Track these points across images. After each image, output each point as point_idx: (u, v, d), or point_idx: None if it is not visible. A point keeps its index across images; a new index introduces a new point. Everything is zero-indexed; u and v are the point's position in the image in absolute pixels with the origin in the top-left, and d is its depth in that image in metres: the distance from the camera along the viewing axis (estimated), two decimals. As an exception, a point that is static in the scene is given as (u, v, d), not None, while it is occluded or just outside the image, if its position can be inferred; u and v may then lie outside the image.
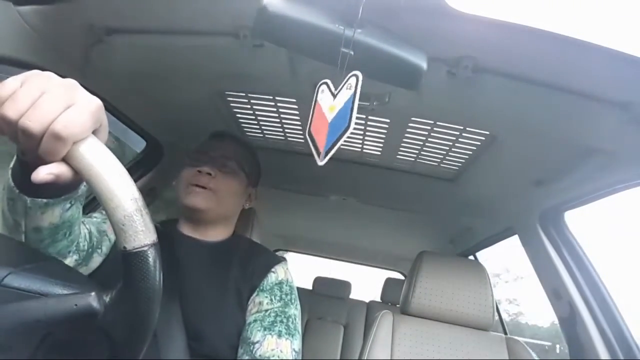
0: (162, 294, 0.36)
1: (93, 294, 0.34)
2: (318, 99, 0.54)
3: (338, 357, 2.31)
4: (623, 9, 0.53)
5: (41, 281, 0.36)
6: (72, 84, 0.36)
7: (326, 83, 0.54)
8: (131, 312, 0.35)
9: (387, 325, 1.14)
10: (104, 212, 0.81)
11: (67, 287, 0.37)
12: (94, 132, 0.36)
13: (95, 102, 0.36)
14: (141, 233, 0.35)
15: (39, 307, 0.33)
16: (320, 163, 0.51)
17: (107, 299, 0.36)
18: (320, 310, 2.45)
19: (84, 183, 0.49)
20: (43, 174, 0.33)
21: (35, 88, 0.33)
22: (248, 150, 0.92)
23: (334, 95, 0.53)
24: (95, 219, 0.76)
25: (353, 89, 0.51)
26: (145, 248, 0.35)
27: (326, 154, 0.51)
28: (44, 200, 0.46)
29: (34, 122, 0.32)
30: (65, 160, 0.34)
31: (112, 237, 0.76)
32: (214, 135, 0.93)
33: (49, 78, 0.35)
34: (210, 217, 0.83)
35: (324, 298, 2.52)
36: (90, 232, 0.69)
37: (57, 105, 0.33)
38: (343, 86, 0.52)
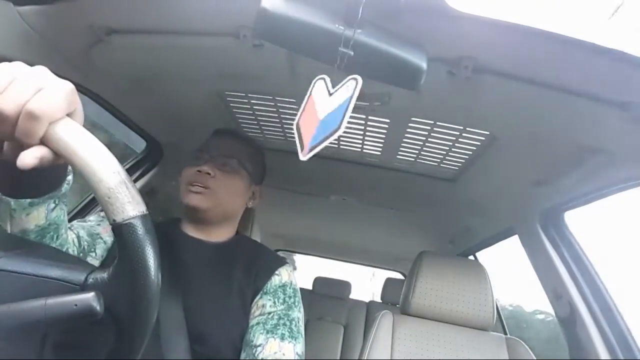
0: (164, 291, 0.36)
1: (93, 294, 0.34)
2: (313, 93, 0.54)
3: (338, 357, 2.31)
4: (623, 9, 0.53)
5: (33, 263, 0.36)
6: (41, 69, 0.36)
7: (324, 79, 0.54)
8: (130, 286, 0.35)
9: (387, 326, 1.14)
10: (101, 214, 0.81)
11: (59, 268, 0.37)
12: (69, 116, 0.36)
13: (68, 84, 0.36)
14: (128, 204, 0.34)
15: (39, 307, 0.33)
16: (303, 158, 0.50)
17: (105, 275, 0.36)
18: (320, 310, 2.45)
19: (67, 181, 0.49)
20: (29, 158, 0.34)
21: (5, 76, 0.34)
22: (251, 147, 0.90)
23: (330, 94, 0.52)
24: (88, 223, 0.75)
25: (351, 92, 0.50)
26: (134, 219, 0.34)
27: (310, 150, 0.50)
28: (28, 200, 0.46)
29: (7, 104, 0.33)
30: (43, 143, 0.35)
31: (108, 239, 0.75)
32: (215, 133, 0.91)
33: (18, 66, 0.35)
34: (211, 216, 0.82)
35: (324, 298, 2.52)
36: (79, 237, 0.68)
37: (29, 88, 0.34)
38: (341, 87, 0.52)
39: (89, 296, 0.34)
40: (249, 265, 0.79)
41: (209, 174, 0.80)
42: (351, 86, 0.51)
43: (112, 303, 0.35)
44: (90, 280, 0.36)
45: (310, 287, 2.63)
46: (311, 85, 0.54)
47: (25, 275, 0.35)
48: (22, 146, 0.34)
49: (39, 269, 0.36)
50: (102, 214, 0.81)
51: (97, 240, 0.73)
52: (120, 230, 0.34)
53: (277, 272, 0.79)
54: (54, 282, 0.36)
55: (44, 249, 0.48)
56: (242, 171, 0.85)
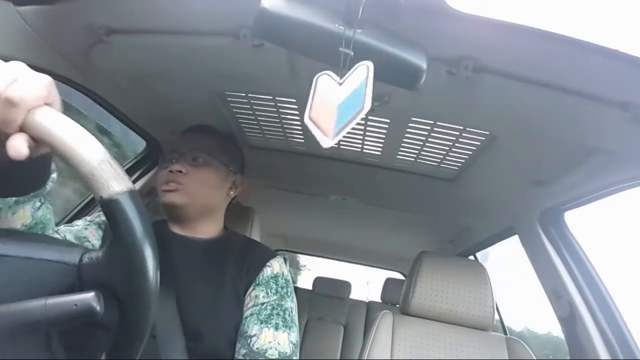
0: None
1: (92, 293, 0.34)
2: (318, 87, 0.53)
3: (338, 357, 2.31)
4: (622, 8, 0.53)
5: (27, 247, 0.36)
6: (17, 63, 0.37)
7: (327, 74, 0.53)
8: (127, 262, 0.34)
9: (387, 326, 1.14)
10: (87, 219, 0.80)
11: (54, 250, 0.37)
12: None
13: (45, 77, 0.37)
14: (113, 179, 0.34)
15: (39, 307, 0.33)
16: (328, 144, 0.49)
17: (100, 254, 0.36)
18: (320, 310, 2.45)
19: (51, 179, 0.49)
20: (21, 146, 0.34)
21: None
22: (221, 138, 0.90)
23: (340, 83, 0.52)
24: (75, 227, 0.75)
25: (365, 75, 0.50)
26: (121, 194, 0.34)
27: (337, 134, 0.49)
28: (13, 198, 0.46)
29: None
30: (23, 131, 0.35)
31: (95, 242, 0.74)
32: (183, 132, 0.92)
33: None
34: (190, 211, 0.81)
35: (324, 298, 2.52)
36: (65, 240, 0.67)
37: (5, 79, 0.35)
38: (351, 74, 0.51)
39: (89, 296, 0.34)
40: (239, 259, 0.80)
41: (180, 171, 0.80)
42: (363, 71, 0.51)
43: (110, 281, 0.35)
44: (86, 259, 0.36)
45: (310, 287, 2.63)
46: (314, 81, 0.53)
47: (20, 259, 0.35)
48: (2, 140, 0.35)
49: (34, 252, 0.36)
50: (89, 218, 0.81)
51: (85, 243, 0.72)
52: (109, 207, 0.34)
53: (268, 263, 0.80)
54: (50, 263, 0.36)
55: (36, 236, 0.48)
56: (215, 162, 0.84)
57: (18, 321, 0.33)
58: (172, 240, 0.81)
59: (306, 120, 0.52)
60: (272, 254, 0.84)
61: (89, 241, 0.73)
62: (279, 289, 0.77)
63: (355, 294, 2.71)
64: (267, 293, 0.75)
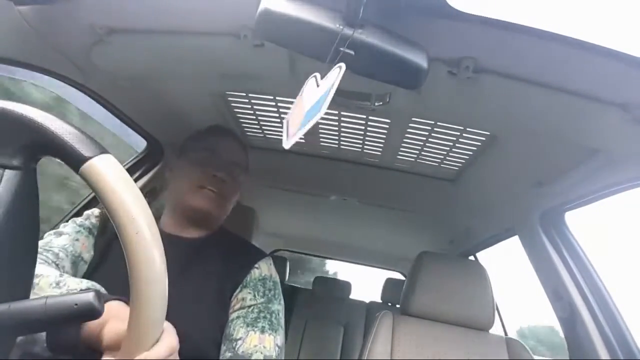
0: None
1: (93, 293, 0.34)
2: (304, 90, 0.55)
3: (338, 358, 2.31)
4: (622, 9, 0.53)
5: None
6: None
7: (315, 76, 0.55)
8: None
9: (387, 326, 1.14)
10: (76, 222, 0.75)
11: None
12: None
13: None
14: None
15: (39, 307, 0.33)
16: (285, 146, 0.51)
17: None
18: (320, 310, 2.45)
19: None
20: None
21: None
22: (247, 152, 0.91)
23: (318, 86, 0.53)
24: (69, 244, 0.70)
25: (334, 79, 0.51)
26: None
27: (293, 137, 0.51)
28: None
29: None
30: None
31: (86, 255, 0.72)
32: (220, 132, 0.89)
33: None
34: (209, 219, 0.82)
35: (324, 298, 2.52)
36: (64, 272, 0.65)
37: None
38: (326, 78, 0.52)
39: (89, 295, 0.34)
40: (227, 258, 0.79)
41: (224, 181, 0.80)
42: (334, 73, 0.51)
43: None
44: None
45: (310, 287, 2.63)
46: (304, 84, 0.55)
47: None
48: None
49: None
50: (78, 221, 0.77)
51: (80, 264, 0.71)
52: None
53: (256, 265, 0.79)
54: None
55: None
56: (243, 182, 0.87)
57: (18, 320, 0.33)
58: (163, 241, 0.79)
59: (285, 121, 0.54)
60: (261, 255, 0.83)
61: (82, 258, 0.71)
62: (267, 292, 0.76)
63: (360, 290, 2.69)
64: (254, 296, 0.74)
